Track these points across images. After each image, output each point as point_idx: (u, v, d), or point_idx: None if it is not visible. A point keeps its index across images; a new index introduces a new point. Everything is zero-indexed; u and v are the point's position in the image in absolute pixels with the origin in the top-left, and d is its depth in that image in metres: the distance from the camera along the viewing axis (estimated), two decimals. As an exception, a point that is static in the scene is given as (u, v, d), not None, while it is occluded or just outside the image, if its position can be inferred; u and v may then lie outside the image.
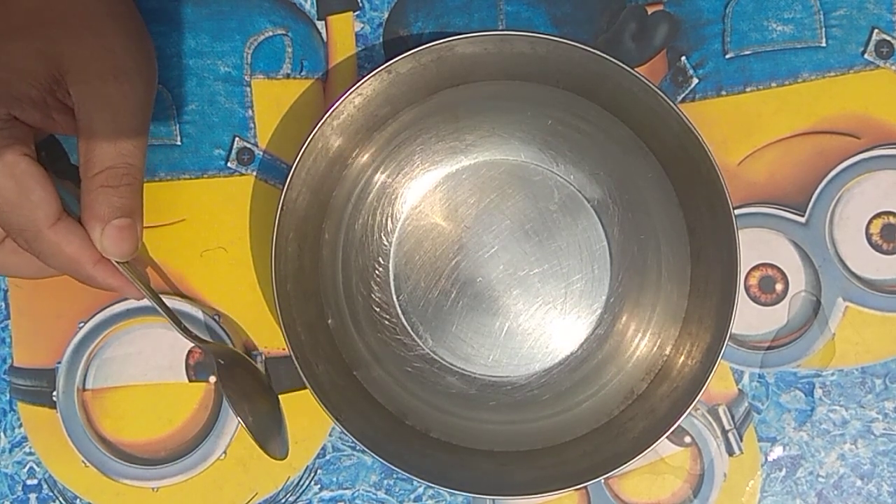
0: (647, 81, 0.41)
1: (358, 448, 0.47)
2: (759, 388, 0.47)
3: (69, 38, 0.40)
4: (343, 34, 0.48)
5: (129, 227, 0.40)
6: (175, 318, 0.44)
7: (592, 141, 0.46)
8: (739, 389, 0.47)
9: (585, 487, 0.47)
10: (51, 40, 0.40)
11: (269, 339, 0.48)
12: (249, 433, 0.43)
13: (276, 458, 0.44)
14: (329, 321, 0.45)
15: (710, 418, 0.47)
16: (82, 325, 0.48)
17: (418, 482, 0.46)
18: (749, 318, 0.47)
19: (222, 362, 0.45)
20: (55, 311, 0.48)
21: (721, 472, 0.47)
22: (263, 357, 0.48)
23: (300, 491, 0.47)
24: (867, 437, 0.47)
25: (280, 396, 0.47)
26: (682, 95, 0.47)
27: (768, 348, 0.47)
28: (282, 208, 0.41)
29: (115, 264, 0.41)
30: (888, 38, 0.47)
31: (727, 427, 0.47)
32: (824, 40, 0.47)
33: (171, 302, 0.47)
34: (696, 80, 0.47)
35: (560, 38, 0.41)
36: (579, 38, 0.42)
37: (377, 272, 0.47)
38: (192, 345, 0.47)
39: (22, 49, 0.39)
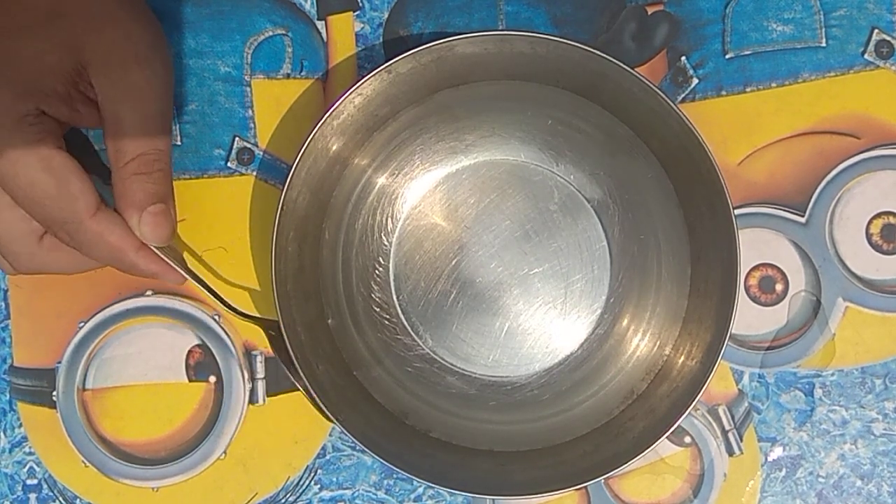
0: (647, 81, 0.41)
1: (358, 448, 0.47)
2: (759, 389, 0.47)
3: (88, 30, 0.40)
4: (343, 34, 0.48)
5: (164, 213, 0.41)
6: (219, 296, 0.44)
7: (592, 141, 0.46)
8: (739, 389, 0.47)
9: (585, 487, 0.47)
10: (70, 33, 0.40)
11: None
12: (309, 395, 0.42)
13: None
14: (329, 321, 0.45)
15: (710, 418, 0.47)
16: (82, 324, 0.48)
17: (418, 482, 0.46)
18: (749, 318, 0.47)
19: (273, 333, 0.44)
20: (55, 310, 0.48)
21: (721, 472, 0.47)
22: (263, 357, 0.48)
23: (300, 491, 0.47)
24: (867, 438, 0.47)
25: (280, 396, 0.47)
26: (682, 95, 0.47)
27: (768, 348, 0.47)
28: (282, 208, 0.41)
29: (155, 250, 0.42)
30: (888, 38, 0.47)
31: (727, 427, 0.47)
32: (824, 40, 0.47)
33: (172, 302, 0.48)
34: (696, 80, 0.47)
35: (560, 38, 0.41)
36: (579, 38, 0.42)
37: (377, 272, 0.47)
38: (193, 344, 0.47)
39: (44, 43, 0.40)
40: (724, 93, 0.47)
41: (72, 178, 0.39)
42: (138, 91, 0.40)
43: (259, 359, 0.48)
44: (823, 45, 0.47)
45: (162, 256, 0.42)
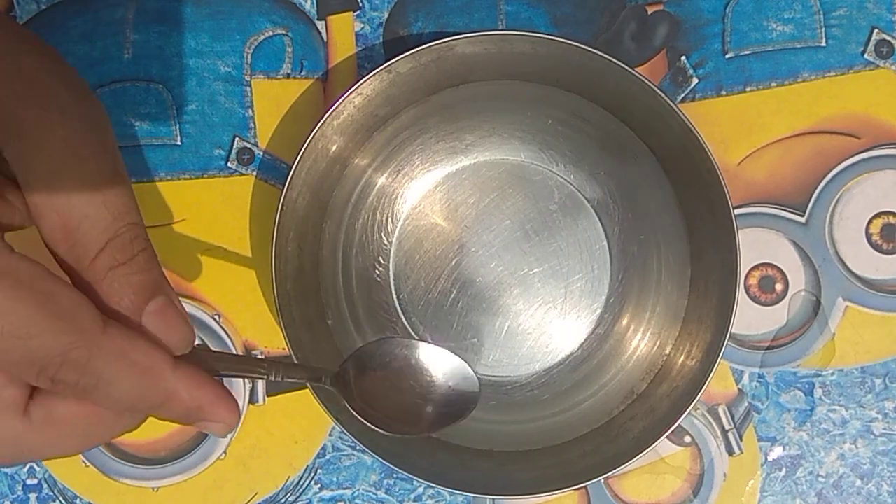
0: (647, 81, 0.41)
1: (358, 448, 0.47)
2: (759, 388, 0.47)
3: None
4: (343, 34, 0.48)
5: (170, 306, 0.29)
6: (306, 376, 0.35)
7: (592, 141, 0.46)
8: (739, 389, 0.47)
9: (585, 487, 0.47)
10: None
11: (269, 339, 0.48)
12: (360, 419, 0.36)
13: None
14: (329, 321, 0.45)
15: (709, 418, 0.47)
16: (82, 324, 0.48)
17: (418, 482, 0.46)
18: (749, 318, 0.47)
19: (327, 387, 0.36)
20: (55, 310, 0.48)
21: (721, 471, 0.47)
22: (264, 356, 0.48)
23: (300, 491, 0.47)
24: (867, 437, 0.47)
25: (280, 396, 0.47)
26: (682, 95, 0.47)
27: (768, 348, 0.47)
28: (282, 208, 0.41)
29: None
30: (888, 37, 0.47)
31: (727, 427, 0.47)
32: (824, 40, 0.47)
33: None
34: (696, 80, 0.47)
35: (560, 37, 0.41)
36: (579, 38, 0.42)
37: (377, 272, 0.47)
38: (196, 342, 0.43)
39: None
40: (724, 93, 0.47)
41: (56, 288, 0.26)
42: (72, 150, 0.28)
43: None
44: (823, 44, 0.47)
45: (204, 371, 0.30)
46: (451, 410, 0.35)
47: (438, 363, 0.35)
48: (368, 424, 0.34)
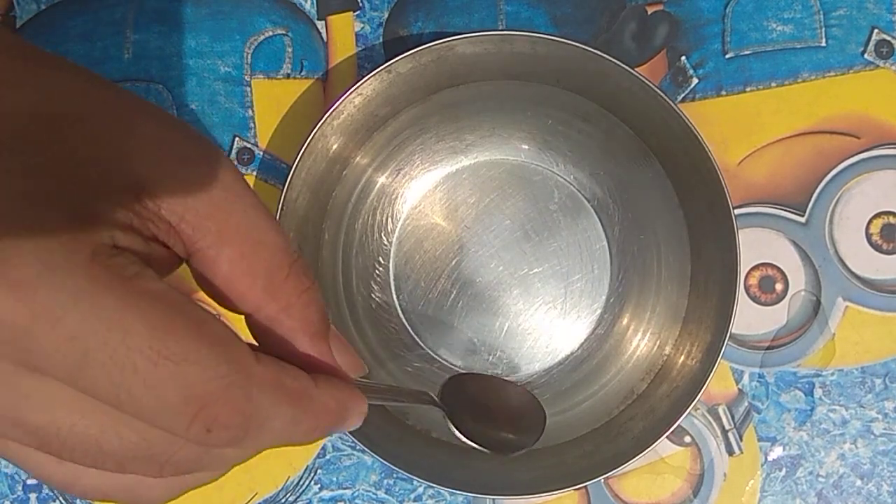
0: (647, 81, 0.41)
1: (358, 448, 0.47)
2: (759, 388, 0.47)
3: (126, 133, 0.26)
4: (343, 34, 0.48)
5: (342, 339, 0.29)
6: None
7: (592, 141, 0.46)
8: (739, 389, 0.47)
9: (585, 487, 0.47)
10: (103, 140, 0.26)
11: (270, 338, 0.48)
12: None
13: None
14: (329, 321, 0.45)
15: (710, 418, 0.47)
16: (82, 324, 0.48)
17: (418, 482, 0.46)
18: (749, 318, 0.47)
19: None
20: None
21: (721, 471, 0.47)
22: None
23: (300, 491, 0.47)
24: (867, 437, 0.47)
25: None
26: (682, 95, 0.47)
27: (768, 348, 0.47)
28: (282, 208, 0.41)
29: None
30: (888, 37, 0.47)
31: (727, 427, 0.47)
32: (824, 40, 0.47)
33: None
34: (695, 80, 0.47)
35: (560, 37, 0.41)
36: (579, 38, 0.42)
37: (377, 272, 0.47)
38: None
39: (68, 157, 0.25)
40: (724, 93, 0.47)
41: (208, 317, 0.24)
42: (233, 192, 0.27)
43: (259, 359, 0.48)
44: (823, 44, 0.47)
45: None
46: (522, 436, 0.38)
47: (507, 393, 0.39)
48: (475, 445, 0.35)
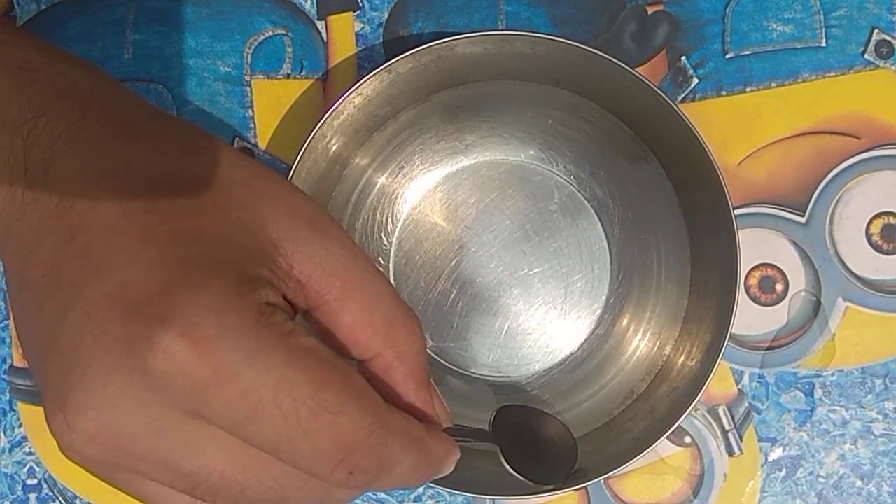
0: (647, 81, 0.41)
1: (358, 448, 0.47)
2: (759, 389, 0.47)
3: (251, 194, 0.29)
4: (343, 34, 0.48)
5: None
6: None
7: (592, 141, 0.46)
8: (739, 390, 0.47)
9: (585, 487, 0.47)
10: (234, 203, 0.28)
11: (269, 339, 0.47)
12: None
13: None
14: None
15: (710, 418, 0.47)
16: (82, 324, 0.48)
17: (418, 482, 0.46)
18: (749, 319, 0.47)
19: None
20: (55, 311, 0.48)
21: (721, 472, 0.47)
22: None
23: (300, 491, 0.47)
24: (867, 438, 0.47)
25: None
26: (682, 95, 0.47)
27: (768, 348, 0.47)
28: (282, 208, 0.41)
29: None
30: (888, 38, 0.47)
31: (727, 427, 0.47)
32: (824, 40, 0.47)
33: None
34: (696, 80, 0.47)
35: (560, 37, 0.41)
36: (579, 38, 0.42)
37: (377, 272, 0.47)
38: None
39: (222, 222, 0.28)
40: (724, 93, 0.47)
41: (349, 368, 0.27)
42: (352, 251, 0.29)
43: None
44: (823, 45, 0.47)
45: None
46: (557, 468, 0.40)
47: (545, 424, 0.41)
48: (525, 480, 0.37)
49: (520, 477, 0.37)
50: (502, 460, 0.37)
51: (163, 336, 0.24)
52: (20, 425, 0.48)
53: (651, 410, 0.44)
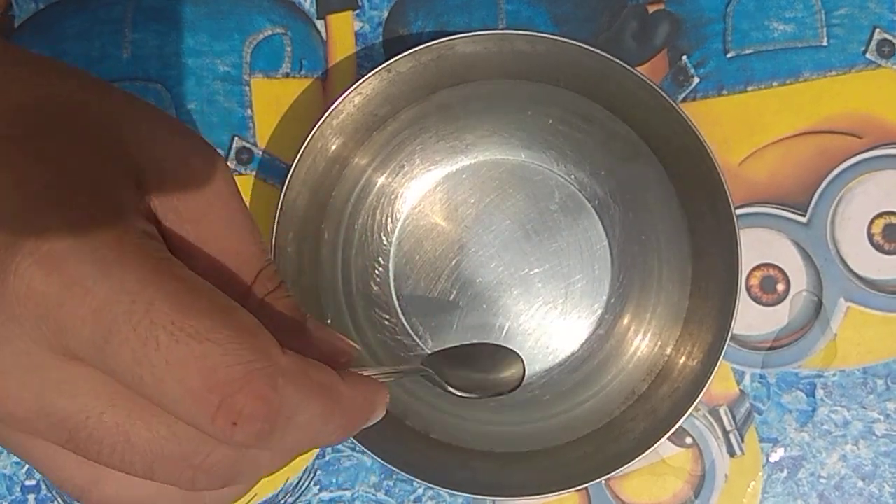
0: (648, 80, 0.41)
1: (357, 449, 0.47)
2: (761, 389, 0.47)
3: (119, 126, 0.27)
4: (343, 33, 0.48)
5: (320, 324, 0.29)
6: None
7: (593, 140, 0.45)
8: (741, 390, 0.47)
9: (586, 488, 0.47)
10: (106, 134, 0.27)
11: (269, 339, 0.47)
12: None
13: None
14: (329, 321, 0.45)
15: (711, 419, 0.47)
16: (81, 325, 0.47)
17: (418, 483, 0.46)
18: (750, 319, 0.47)
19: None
20: (53, 311, 0.47)
21: (722, 473, 0.47)
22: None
23: (299, 492, 0.47)
24: (869, 438, 0.47)
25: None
26: (683, 95, 0.47)
27: (769, 349, 0.47)
28: (281, 208, 0.41)
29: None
30: (890, 37, 0.47)
31: (728, 428, 0.47)
32: (826, 39, 0.47)
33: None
34: (697, 80, 0.47)
35: (561, 36, 0.41)
36: (580, 37, 0.42)
37: (377, 272, 0.47)
38: None
39: (87, 148, 0.26)
40: (725, 92, 0.47)
41: (236, 305, 0.24)
42: (220, 199, 0.28)
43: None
44: (825, 44, 0.47)
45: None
46: (506, 379, 0.40)
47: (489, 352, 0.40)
48: (463, 394, 0.37)
49: (460, 394, 0.36)
50: (437, 379, 0.36)
51: (14, 257, 0.22)
52: (18, 426, 0.48)
53: (652, 411, 0.44)
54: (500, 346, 0.40)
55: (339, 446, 0.47)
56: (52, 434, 0.24)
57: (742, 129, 0.47)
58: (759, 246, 0.47)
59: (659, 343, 0.45)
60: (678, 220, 0.44)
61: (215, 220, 0.27)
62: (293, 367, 0.23)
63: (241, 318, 0.23)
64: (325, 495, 0.47)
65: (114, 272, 0.22)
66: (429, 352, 0.47)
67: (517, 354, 0.40)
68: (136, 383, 0.22)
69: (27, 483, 0.48)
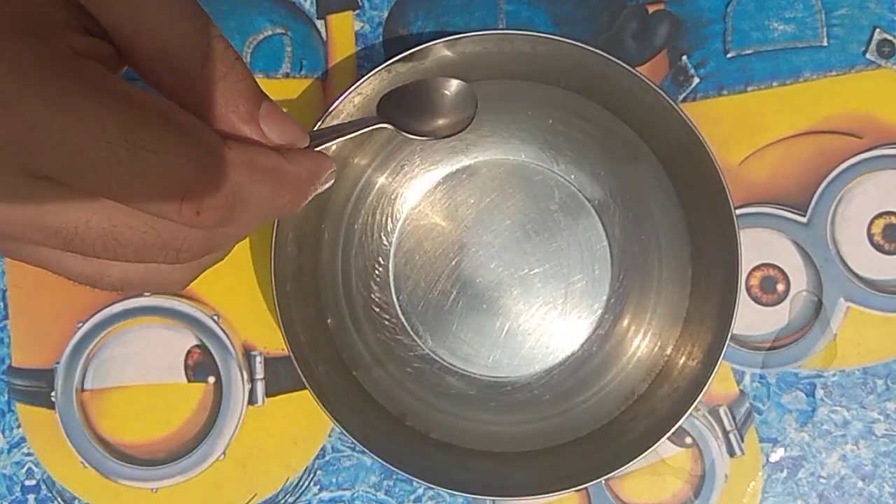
0: (648, 81, 0.41)
1: (357, 449, 0.47)
2: (761, 389, 0.47)
3: None
4: (343, 33, 0.48)
5: (275, 107, 0.29)
6: None
7: (593, 140, 0.45)
8: (741, 390, 0.47)
9: (586, 488, 0.47)
10: None
11: (269, 339, 0.47)
12: None
13: None
14: (329, 321, 0.45)
15: (711, 419, 0.47)
16: (81, 325, 0.48)
17: (418, 483, 0.46)
18: (750, 319, 0.47)
19: None
20: (54, 311, 0.48)
21: (722, 473, 0.47)
22: (263, 357, 0.47)
23: (299, 492, 0.47)
24: (868, 438, 0.47)
25: (279, 397, 0.47)
26: (684, 95, 0.47)
27: (769, 349, 0.47)
28: (281, 208, 0.41)
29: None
30: (889, 37, 0.47)
31: (728, 428, 0.47)
32: (825, 40, 0.47)
33: (171, 302, 0.47)
34: (697, 80, 0.47)
35: (560, 37, 0.41)
36: (580, 38, 0.42)
37: (377, 272, 0.47)
38: (192, 345, 0.47)
39: None
40: (725, 92, 0.47)
41: (173, 107, 0.26)
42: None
43: (258, 359, 0.47)
44: (825, 44, 0.47)
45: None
46: (460, 116, 0.39)
47: (445, 84, 0.39)
48: (418, 137, 0.37)
49: (418, 138, 0.37)
50: (395, 130, 0.36)
51: None
52: (19, 426, 0.48)
53: (652, 411, 0.44)
54: (450, 78, 0.40)
55: (340, 446, 0.47)
56: (52, 243, 0.26)
57: (742, 129, 0.47)
58: (759, 246, 0.47)
59: (659, 343, 0.45)
60: (678, 221, 0.44)
61: (149, 7, 0.27)
62: (239, 157, 0.26)
63: (183, 121, 0.26)
64: (326, 495, 0.47)
65: (68, 106, 0.24)
66: (428, 351, 0.47)
67: (468, 88, 0.39)
68: (109, 194, 0.25)
69: (27, 483, 0.48)
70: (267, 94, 0.30)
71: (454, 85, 0.39)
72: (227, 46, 0.28)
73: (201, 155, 0.25)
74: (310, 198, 0.30)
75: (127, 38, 0.27)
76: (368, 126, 0.36)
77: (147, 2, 0.27)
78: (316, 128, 0.41)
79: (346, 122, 0.36)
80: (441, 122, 0.39)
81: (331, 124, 0.33)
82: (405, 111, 0.38)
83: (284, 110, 0.30)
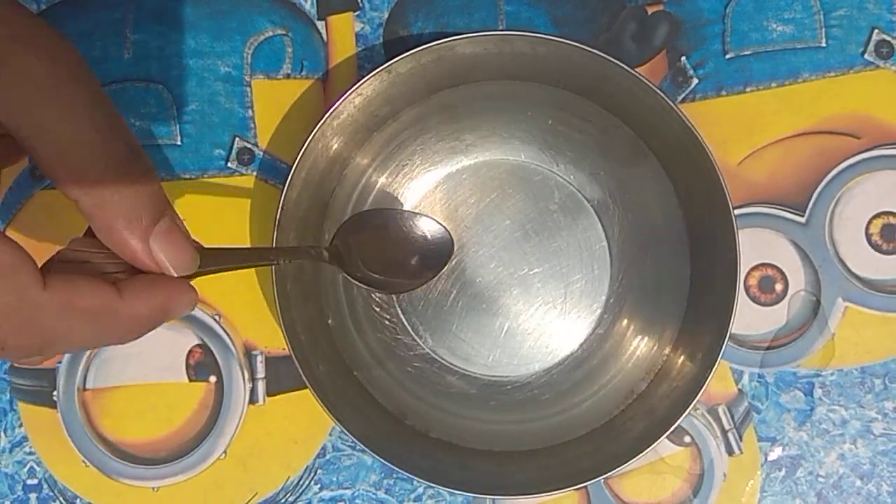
0: (647, 81, 0.41)
1: (358, 448, 0.47)
2: (759, 388, 0.47)
3: None
4: (343, 34, 0.48)
5: (173, 228, 0.30)
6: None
7: (593, 141, 0.46)
8: (739, 389, 0.47)
9: (585, 487, 0.47)
10: None
11: (270, 339, 0.48)
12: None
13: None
14: (329, 321, 0.45)
15: (709, 418, 0.47)
16: (82, 324, 0.48)
17: (418, 482, 0.46)
18: (749, 318, 0.47)
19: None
20: (55, 310, 0.48)
21: (721, 471, 0.47)
22: (264, 357, 0.48)
23: (300, 491, 0.47)
24: (867, 437, 0.47)
25: (280, 396, 0.47)
26: (683, 95, 0.47)
27: (768, 348, 0.47)
28: (282, 208, 0.41)
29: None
30: (888, 38, 0.47)
31: (727, 427, 0.47)
32: (824, 40, 0.47)
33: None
34: (696, 81, 0.47)
35: (560, 38, 0.41)
36: (579, 39, 0.42)
37: (377, 272, 0.47)
38: (194, 344, 0.47)
39: None
40: (724, 93, 0.47)
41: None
42: (51, 76, 0.27)
43: (259, 359, 0.48)
44: (823, 45, 0.47)
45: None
46: (431, 261, 0.38)
47: (414, 223, 0.39)
48: (368, 288, 0.36)
49: (368, 288, 0.35)
50: (344, 274, 0.35)
51: None
52: (20, 425, 0.48)
53: (651, 410, 0.44)
54: (426, 217, 0.38)
55: (340, 445, 0.47)
56: None
57: (741, 129, 0.47)
58: (757, 246, 0.47)
59: (658, 342, 0.46)
60: (677, 221, 0.44)
61: (52, 108, 0.27)
62: (55, 301, 0.27)
63: (4, 261, 0.26)
64: (326, 494, 0.47)
65: None
66: (428, 350, 0.47)
67: (447, 238, 0.37)
68: None
69: (29, 482, 0.48)
70: (174, 210, 0.30)
71: (435, 229, 0.37)
72: (138, 156, 0.28)
73: (10, 300, 0.26)
74: (153, 329, 0.30)
75: (24, 139, 0.27)
76: (273, 261, 0.33)
77: (46, 112, 0.27)
78: (316, 128, 0.41)
79: (275, 247, 0.34)
80: (402, 272, 0.37)
81: (229, 251, 0.33)
82: (363, 245, 0.35)
83: (185, 227, 0.30)
